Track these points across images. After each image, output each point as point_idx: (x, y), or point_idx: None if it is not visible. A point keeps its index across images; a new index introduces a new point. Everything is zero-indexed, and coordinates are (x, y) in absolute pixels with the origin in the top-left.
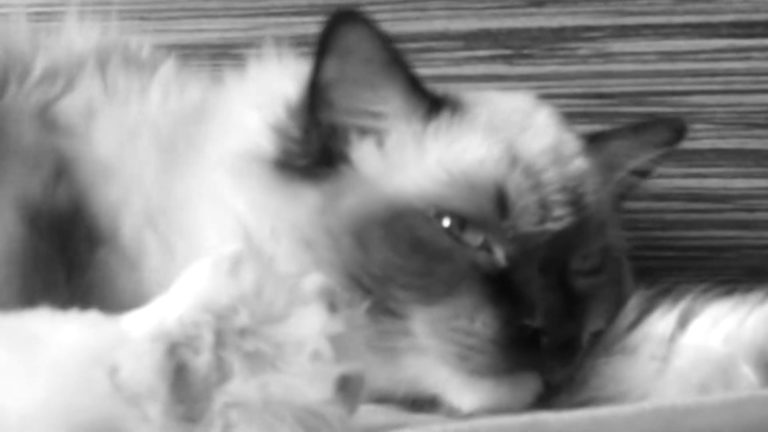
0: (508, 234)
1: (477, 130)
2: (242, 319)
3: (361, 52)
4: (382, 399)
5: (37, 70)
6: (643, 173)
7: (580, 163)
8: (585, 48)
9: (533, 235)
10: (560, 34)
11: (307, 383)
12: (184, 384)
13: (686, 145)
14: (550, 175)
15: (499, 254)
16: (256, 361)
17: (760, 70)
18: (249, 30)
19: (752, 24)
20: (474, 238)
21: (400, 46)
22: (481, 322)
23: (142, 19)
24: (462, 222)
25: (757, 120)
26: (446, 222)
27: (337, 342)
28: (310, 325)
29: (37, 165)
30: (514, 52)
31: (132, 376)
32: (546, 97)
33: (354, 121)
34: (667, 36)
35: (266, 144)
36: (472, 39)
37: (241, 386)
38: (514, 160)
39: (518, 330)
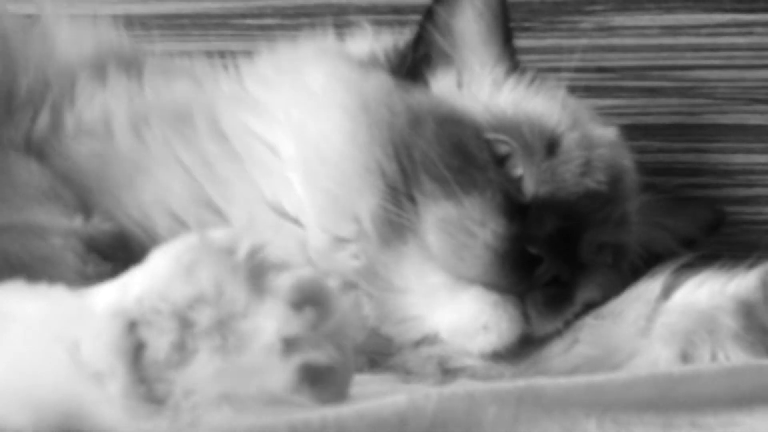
0: (545, 174)
1: (552, 98)
2: (199, 314)
3: (476, 8)
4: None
5: (23, 92)
6: (685, 243)
7: (629, 163)
8: (587, 21)
9: (568, 183)
10: (562, 7)
11: (266, 373)
12: (143, 364)
13: (686, 119)
14: (602, 152)
15: (529, 190)
16: (217, 348)
17: (762, 45)
18: (249, 0)
19: None
20: (512, 170)
21: (403, 18)
22: (489, 230)
23: None
24: (507, 154)
25: (758, 95)
26: (494, 146)
27: (292, 341)
28: (265, 323)
29: (57, 197)
30: (515, 24)
31: (92, 352)
32: (547, 70)
33: (447, 54)
34: (669, 10)
35: (356, 52)
36: None
37: (201, 370)
38: (575, 124)
39: (519, 250)
